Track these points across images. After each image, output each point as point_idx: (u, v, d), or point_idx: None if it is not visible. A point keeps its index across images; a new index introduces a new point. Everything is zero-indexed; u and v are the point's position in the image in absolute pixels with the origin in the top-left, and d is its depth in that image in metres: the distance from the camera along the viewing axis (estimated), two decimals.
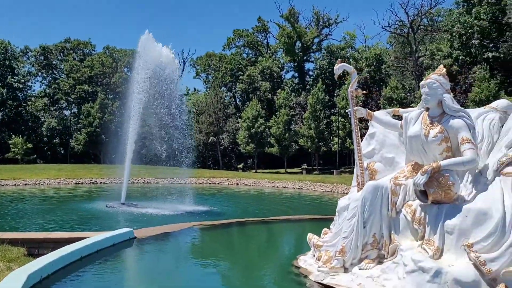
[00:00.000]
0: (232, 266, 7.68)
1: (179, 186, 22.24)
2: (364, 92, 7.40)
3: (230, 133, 56.44)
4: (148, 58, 18.62)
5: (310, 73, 66.65)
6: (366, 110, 7.04)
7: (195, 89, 77.02)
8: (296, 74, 66.00)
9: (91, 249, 7.19)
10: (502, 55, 43.16)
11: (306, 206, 19.20)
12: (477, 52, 44.33)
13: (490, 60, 42.93)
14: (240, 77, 61.09)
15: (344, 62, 7.20)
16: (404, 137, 6.30)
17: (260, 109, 51.97)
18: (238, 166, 55.27)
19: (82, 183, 28.79)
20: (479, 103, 32.65)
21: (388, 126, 6.95)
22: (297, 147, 51.37)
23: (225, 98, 62.78)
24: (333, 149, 49.19)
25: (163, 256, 8.09)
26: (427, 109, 6.06)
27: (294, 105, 54.76)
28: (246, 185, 30.80)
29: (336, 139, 48.18)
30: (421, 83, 6.07)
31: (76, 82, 64.12)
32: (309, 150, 49.50)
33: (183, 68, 75.73)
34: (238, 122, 56.22)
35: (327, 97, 50.06)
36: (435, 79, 5.93)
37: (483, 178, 5.66)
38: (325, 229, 7.23)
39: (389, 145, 7.15)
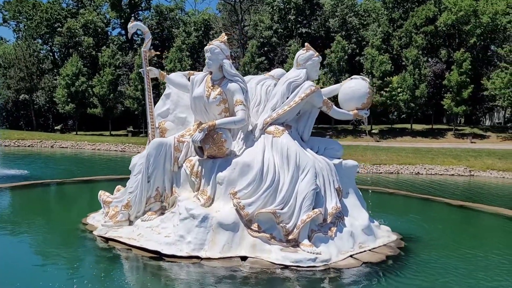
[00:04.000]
0: (19, 228, 7.25)
1: None
2: (157, 53, 7.58)
3: (47, 91, 50.89)
4: None
5: (138, 32, 63.80)
6: (158, 71, 7.27)
7: (1, 38, 66.54)
8: (123, 32, 62.51)
9: None
10: (313, 32, 48.54)
11: (123, 168, 18.90)
12: (293, 26, 48.85)
13: (304, 35, 47.87)
14: (59, 29, 54.97)
15: (138, 21, 7.23)
16: (190, 97, 6.74)
17: (82, 66, 48.04)
18: (56, 128, 50.39)
19: None
20: None
21: (180, 87, 7.32)
22: (122, 108, 49.41)
23: (40, 52, 55.98)
24: None
25: None
26: (211, 73, 6.58)
27: (121, 64, 52.03)
28: (63, 147, 28.76)
29: None
30: (205, 48, 6.53)
31: None
32: (136, 112, 48.13)
33: None
34: (56, 79, 50.98)
35: (155, 58, 49.00)
36: (217, 45, 6.44)
37: (252, 135, 6.50)
38: (118, 186, 7.37)
39: (182, 106, 7.54)
